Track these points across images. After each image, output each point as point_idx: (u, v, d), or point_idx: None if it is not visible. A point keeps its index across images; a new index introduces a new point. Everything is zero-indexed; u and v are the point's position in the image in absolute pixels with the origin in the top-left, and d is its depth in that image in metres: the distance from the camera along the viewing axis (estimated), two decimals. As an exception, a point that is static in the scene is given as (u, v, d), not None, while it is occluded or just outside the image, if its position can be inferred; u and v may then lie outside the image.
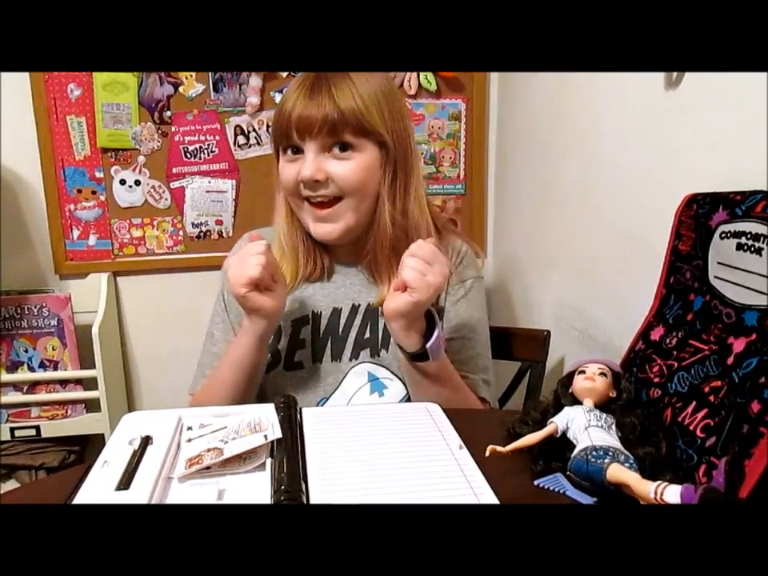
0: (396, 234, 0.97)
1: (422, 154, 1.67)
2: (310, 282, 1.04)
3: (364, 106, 0.92)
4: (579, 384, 0.71)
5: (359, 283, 1.03)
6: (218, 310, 1.08)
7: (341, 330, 1.01)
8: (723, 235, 0.67)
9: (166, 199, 1.61)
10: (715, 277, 0.69)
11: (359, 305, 1.02)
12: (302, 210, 0.97)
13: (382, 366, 1.00)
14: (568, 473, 0.63)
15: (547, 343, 1.21)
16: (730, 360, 0.63)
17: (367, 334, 1.01)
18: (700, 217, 0.72)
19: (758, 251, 0.62)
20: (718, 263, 0.68)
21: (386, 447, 0.67)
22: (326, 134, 0.91)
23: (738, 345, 0.63)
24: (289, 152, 0.95)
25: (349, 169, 0.92)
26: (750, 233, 0.63)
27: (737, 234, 0.65)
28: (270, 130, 1.59)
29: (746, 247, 0.64)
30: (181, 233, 1.63)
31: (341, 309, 1.02)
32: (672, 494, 0.52)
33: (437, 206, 1.71)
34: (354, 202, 0.95)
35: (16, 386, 1.53)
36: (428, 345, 0.87)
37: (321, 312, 1.02)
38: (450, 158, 1.69)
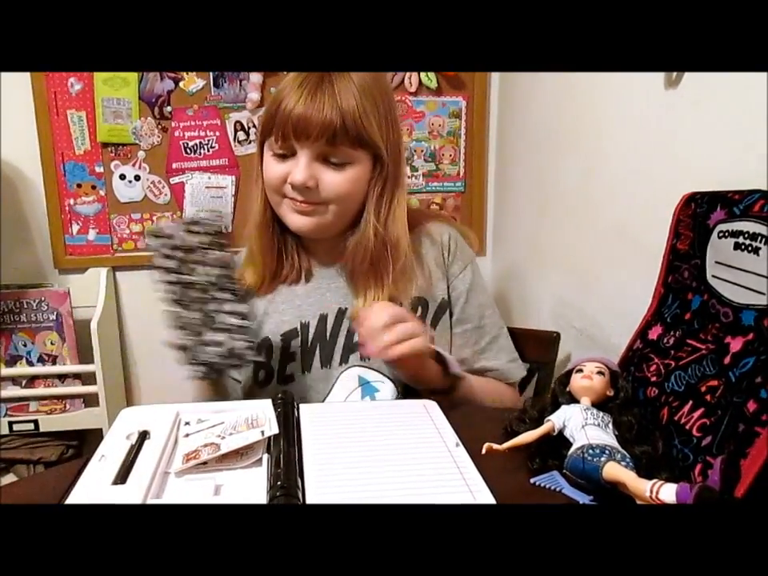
0: (376, 247, 0.95)
1: (422, 151, 1.67)
2: (288, 283, 1.02)
3: (365, 116, 0.89)
4: (577, 382, 0.71)
5: (343, 286, 1.01)
6: None
7: (329, 335, 0.99)
8: (721, 234, 0.67)
9: (166, 195, 1.61)
10: (713, 276, 0.69)
11: (346, 308, 1.00)
12: (281, 205, 0.95)
13: (372, 368, 0.98)
14: (564, 471, 0.63)
15: (556, 344, 1.20)
16: (727, 359, 0.63)
17: (356, 338, 0.98)
18: (698, 216, 0.72)
19: (756, 251, 0.62)
20: (716, 262, 0.69)
21: (382, 444, 0.67)
22: (324, 142, 0.88)
23: (736, 344, 0.63)
24: (278, 150, 0.91)
25: (340, 180, 0.91)
26: (748, 232, 0.63)
27: (734, 234, 0.65)
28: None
29: (743, 246, 0.64)
30: (180, 228, 1.63)
31: (326, 315, 1.00)
32: (667, 492, 0.52)
33: (436, 204, 1.71)
34: (336, 209, 0.93)
35: (15, 381, 1.53)
36: (452, 371, 0.89)
37: (308, 322, 0.99)
38: (450, 155, 1.69)
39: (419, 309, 1.01)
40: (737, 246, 0.65)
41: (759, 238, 0.62)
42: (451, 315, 1.03)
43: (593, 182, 1.17)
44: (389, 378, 0.97)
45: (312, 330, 0.99)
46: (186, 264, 0.79)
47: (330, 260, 1.02)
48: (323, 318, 0.99)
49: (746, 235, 0.64)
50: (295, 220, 0.94)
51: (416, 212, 1.05)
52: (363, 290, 0.97)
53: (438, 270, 1.03)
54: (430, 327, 1.01)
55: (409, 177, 1.69)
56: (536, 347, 1.21)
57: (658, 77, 0.93)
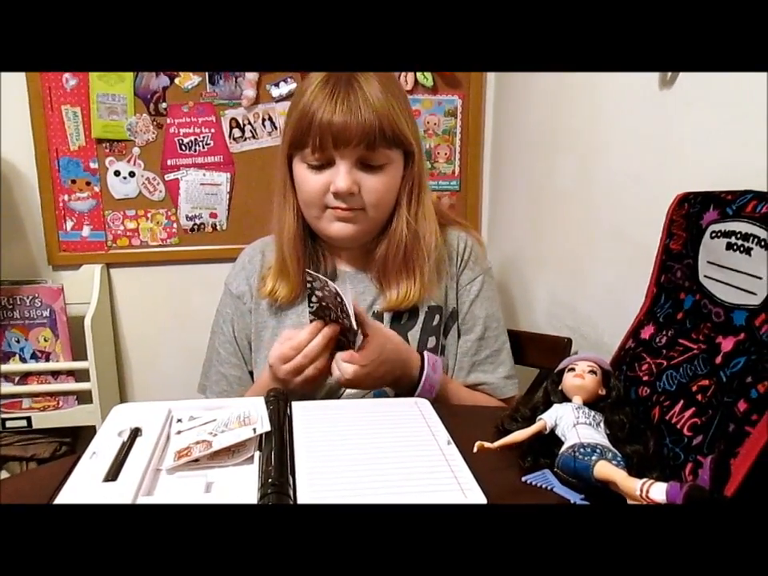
0: (409, 240, 0.97)
1: (418, 149, 1.67)
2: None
3: (396, 114, 0.90)
4: (569, 381, 0.71)
5: (365, 290, 1.01)
6: (223, 329, 1.06)
7: None
8: (713, 234, 0.68)
9: (161, 191, 1.60)
10: (705, 276, 0.69)
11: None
12: (321, 218, 0.95)
13: None
14: (556, 469, 0.63)
15: (568, 350, 1.18)
16: (719, 359, 0.64)
17: None
18: (691, 216, 0.73)
19: (748, 251, 0.62)
20: (708, 262, 0.69)
21: (374, 441, 0.67)
22: (364, 147, 0.89)
23: (727, 344, 0.64)
24: (314, 161, 0.91)
25: (380, 182, 0.92)
26: (740, 232, 0.63)
27: (727, 234, 0.65)
28: (265, 125, 1.58)
29: (735, 247, 0.64)
30: (175, 225, 1.63)
31: None
32: (658, 491, 0.52)
33: (431, 202, 1.71)
34: (376, 212, 0.95)
35: (7, 377, 1.53)
36: (416, 394, 0.88)
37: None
38: (446, 154, 1.69)
39: (436, 317, 1.01)
40: (729, 247, 0.65)
41: (751, 238, 0.62)
42: (458, 324, 1.03)
43: (587, 181, 1.17)
44: None
45: None
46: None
47: (354, 262, 1.04)
48: None
49: (739, 235, 0.64)
50: (338, 228, 0.95)
51: (439, 212, 1.06)
52: (395, 285, 0.98)
53: (450, 278, 1.03)
54: (441, 336, 1.02)
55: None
56: (546, 353, 1.20)
57: (653, 77, 0.93)
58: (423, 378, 0.89)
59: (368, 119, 0.87)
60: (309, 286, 0.82)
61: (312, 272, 0.81)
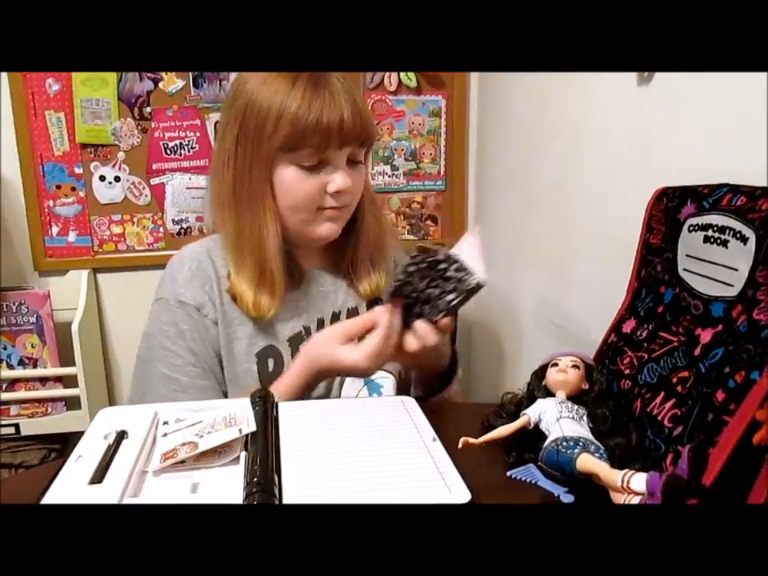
0: (377, 232, 0.98)
1: (403, 150, 1.68)
2: (286, 291, 0.95)
3: (369, 111, 0.94)
4: (552, 376, 0.72)
5: (335, 290, 0.99)
6: (176, 351, 0.92)
7: None
8: (691, 228, 0.68)
9: (147, 195, 1.60)
10: (684, 269, 0.70)
11: (339, 312, 0.99)
12: (312, 220, 0.91)
13: None
14: (540, 463, 0.64)
15: None
16: (698, 351, 0.65)
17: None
18: (670, 210, 0.73)
19: (725, 243, 0.63)
20: (687, 256, 0.70)
21: (360, 439, 0.67)
22: (357, 144, 0.88)
23: (705, 336, 0.64)
24: (309, 162, 0.86)
25: (360, 178, 0.93)
26: (717, 225, 0.64)
27: (704, 227, 0.66)
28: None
29: (712, 239, 0.65)
30: (161, 229, 1.62)
31: (323, 319, 0.98)
32: (638, 481, 0.53)
33: (417, 203, 1.72)
34: (353, 208, 0.95)
35: (-6, 384, 1.52)
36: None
37: (310, 326, 0.96)
38: (431, 154, 1.70)
39: None
40: (706, 239, 0.66)
41: (728, 230, 0.63)
42: None
43: (571, 179, 1.18)
44: (390, 372, 0.97)
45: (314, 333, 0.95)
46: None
47: (323, 260, 1.01)
48: (320, 323, 0.98)
49: (715, 228, 0.65)
50: (326, 228, 0.92)
51: None
52: (366, 277, 0.99)
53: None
54: None
55: (389, 176, 1.70)
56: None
57: (631, 75, 0.94)
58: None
59: (364, 116, 0.88)
60: (410, 261, 0.77)
61: (424, 245, 0.78)
